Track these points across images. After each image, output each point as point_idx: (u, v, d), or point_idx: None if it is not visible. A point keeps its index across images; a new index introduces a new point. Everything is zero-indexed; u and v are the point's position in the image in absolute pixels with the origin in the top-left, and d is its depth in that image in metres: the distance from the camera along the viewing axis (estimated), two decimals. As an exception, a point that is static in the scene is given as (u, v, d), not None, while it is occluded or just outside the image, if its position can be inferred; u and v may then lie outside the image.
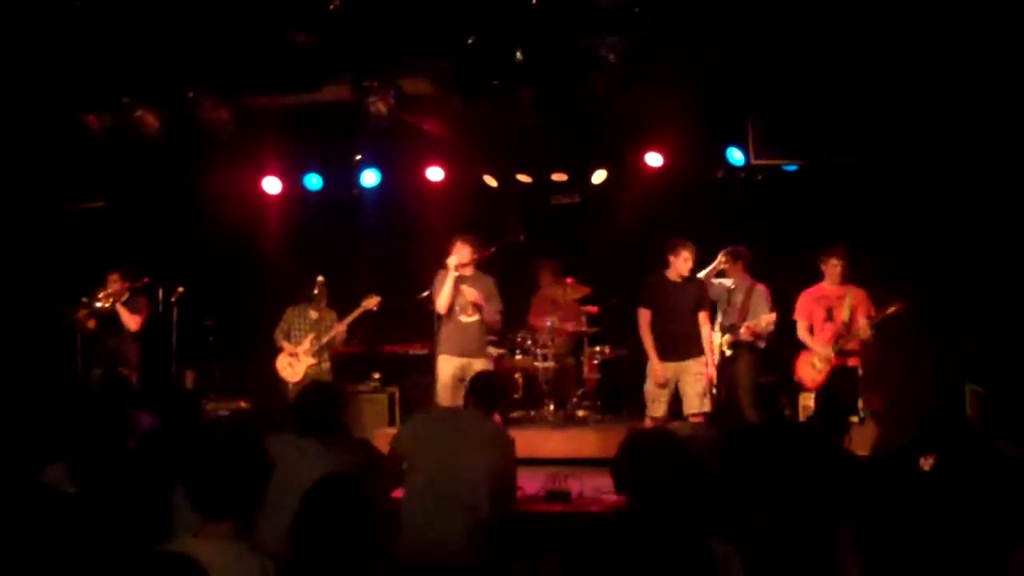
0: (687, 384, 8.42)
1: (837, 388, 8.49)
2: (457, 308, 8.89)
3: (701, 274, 8.87)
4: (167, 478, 4.94)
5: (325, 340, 10.17)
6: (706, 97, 8.72)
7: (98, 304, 9.61)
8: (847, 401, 8.57)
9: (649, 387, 8.56)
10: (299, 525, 3.66)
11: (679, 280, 8.56)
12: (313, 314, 10.25)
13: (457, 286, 8.80)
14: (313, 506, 3.72)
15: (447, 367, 8.84)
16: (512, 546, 5.48)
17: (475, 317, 8.91)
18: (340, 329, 10.18)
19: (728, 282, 9.31)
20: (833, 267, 8.89)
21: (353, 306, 10.21)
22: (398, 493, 5.48)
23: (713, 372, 8.50)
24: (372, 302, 10.14)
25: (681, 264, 8.52)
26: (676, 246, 8.56)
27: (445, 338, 8.97)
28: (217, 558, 3.30)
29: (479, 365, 8.66)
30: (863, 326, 8.70)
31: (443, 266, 8.92)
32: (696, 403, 8.37)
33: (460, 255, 8.83)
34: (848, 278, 8.89)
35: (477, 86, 7.68)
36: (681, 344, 8.49)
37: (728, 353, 9.24)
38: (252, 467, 3.75)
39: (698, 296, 8.61)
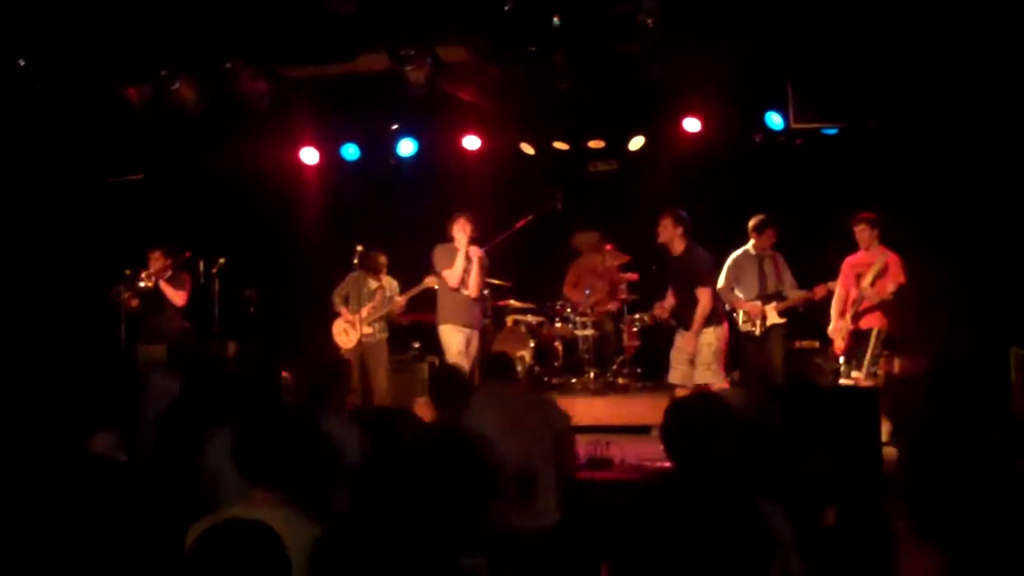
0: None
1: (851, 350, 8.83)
2: (460, 282, 9.21)
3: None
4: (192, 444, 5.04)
5: (383, 311, 10.14)
6: (744, 61, 8.63)
7: (141, 284, 9.68)
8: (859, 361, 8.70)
9: (673, 354, 8.71)
10: (355, 494, 3.67)
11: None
12: (373, 283, 10.19)
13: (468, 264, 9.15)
14: (369, 477, 3.72)
15: (458, 336, 9.20)
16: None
17: (469, 290, 9.23)
18: (400, 302, 10.16)
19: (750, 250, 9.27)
20: (860, 233, 8.93)
21: (415, 281, 10.20)
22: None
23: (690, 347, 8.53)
24: (434, 280, 10.13)
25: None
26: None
27: (452, 310, 9.27)
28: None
29: (476, 337, 9.33)
30: (879, 291, 8.68)
31: (444, 240, 9.26)
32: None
33: (465, 231, 9.13)
34: (879, 243, 8.86)
35: (515, 53, 7.65)
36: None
37: (780, 321, 9.20)
38: (301, 434, 3.78)
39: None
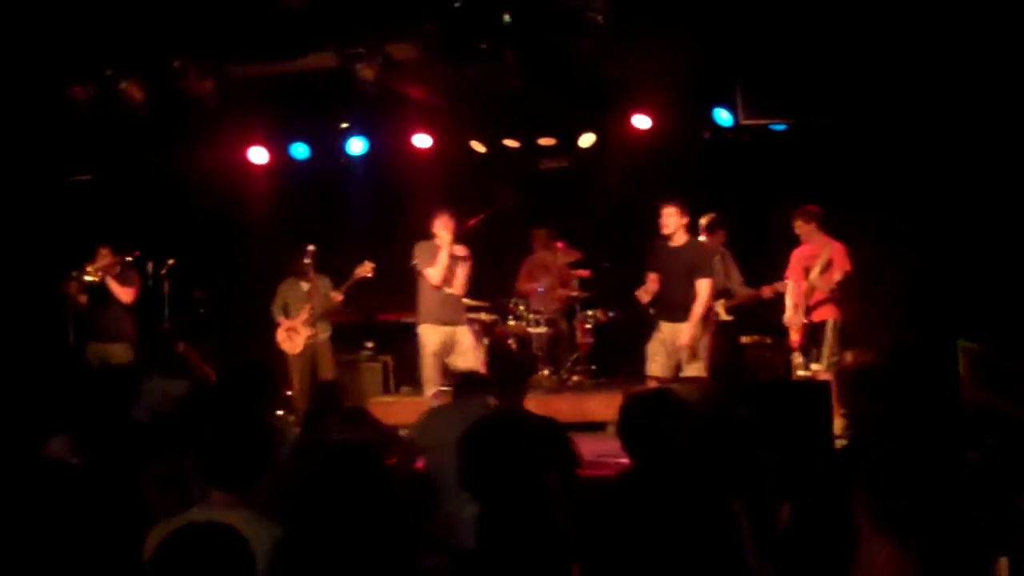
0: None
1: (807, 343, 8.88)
2: (444, 280, 9.16)
3: None
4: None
5: (321, 310, 10.13)
6: (693, 58, 8.66)
7: (87, 277, 9.55)
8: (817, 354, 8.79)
9: (650, 346, 8.63)
10: (312, 493, 3.65)
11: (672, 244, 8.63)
12: (304, 285, 10.22)
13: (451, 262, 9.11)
14: (326, 474, 3.70)
15: (434, 336, 9.15)
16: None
17: (454, 288, 9.21)
18: (336, 298, 10.15)
19: None
20: (798, 228, 8.98)
21: (346, 275, 10.19)
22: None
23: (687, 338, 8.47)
24: (366, 269, 10.12)
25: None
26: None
27: (431, 308, 9.22)
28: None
29: (462, 333, 9.24)
30: (826, 280, 8.77)
31: (426, 238, 9.19)
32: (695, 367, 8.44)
33: (448, 228, 9.10)
34: (822, 234, 8.93)
35: (465, 50, 7.63)
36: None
37: (728, 318, 9.28)
38: (256, 436, 3.77)
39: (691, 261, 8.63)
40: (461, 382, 6.52)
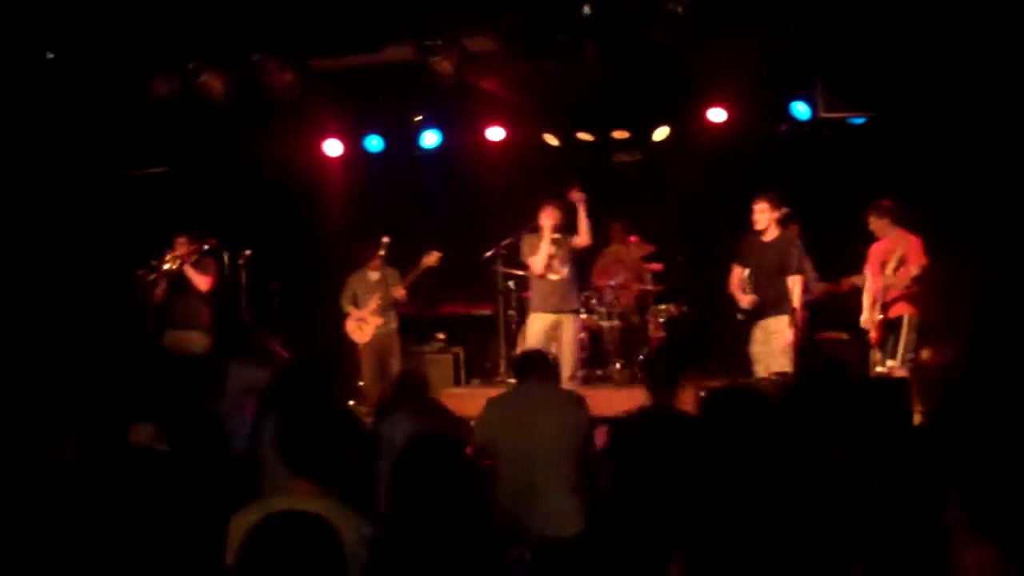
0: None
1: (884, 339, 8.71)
2: (547, 267, 9.26)
3: None
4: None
5: (390, 300, 10.19)
6: (773, 50, 8.59)
7: (166, 266, 9.69)
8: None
9: (753, 348, 8.65)
10: (396, 484, 3.67)
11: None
12: (373, 275, 10.29)
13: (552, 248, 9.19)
14: (409, 465, 3.72)
15: (538, 324, 9.28)
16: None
17: (562, 275, 9.26)
18: (401, 292, 10.22)
19: None
20: (872, 224, 8.86)
21: (414, 264, 10.24)
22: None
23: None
24: (432, 258, 10.18)
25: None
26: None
27: (535, 297, 9.43)
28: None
29: (568, 321, 9.27)
30: (901, 277, 8.64)
31: (531, 229, 9.32)
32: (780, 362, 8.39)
33: (552, 218, 9.14)
34: (898, 228, 8.78)
35: (544, 43, 7.61)
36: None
37: None
38: (343, 426, 3.80)
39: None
40: (517, 365, 6.50)
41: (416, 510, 3.42)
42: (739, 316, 8.75)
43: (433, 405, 6.74)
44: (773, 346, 8.48)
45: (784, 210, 8.64)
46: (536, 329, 9.24)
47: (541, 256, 9.20)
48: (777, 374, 8.20)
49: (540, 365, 6.14)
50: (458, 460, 3.85)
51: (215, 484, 4.47)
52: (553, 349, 8.99)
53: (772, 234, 8.61)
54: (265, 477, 4.65)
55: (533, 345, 8.96)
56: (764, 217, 8.58)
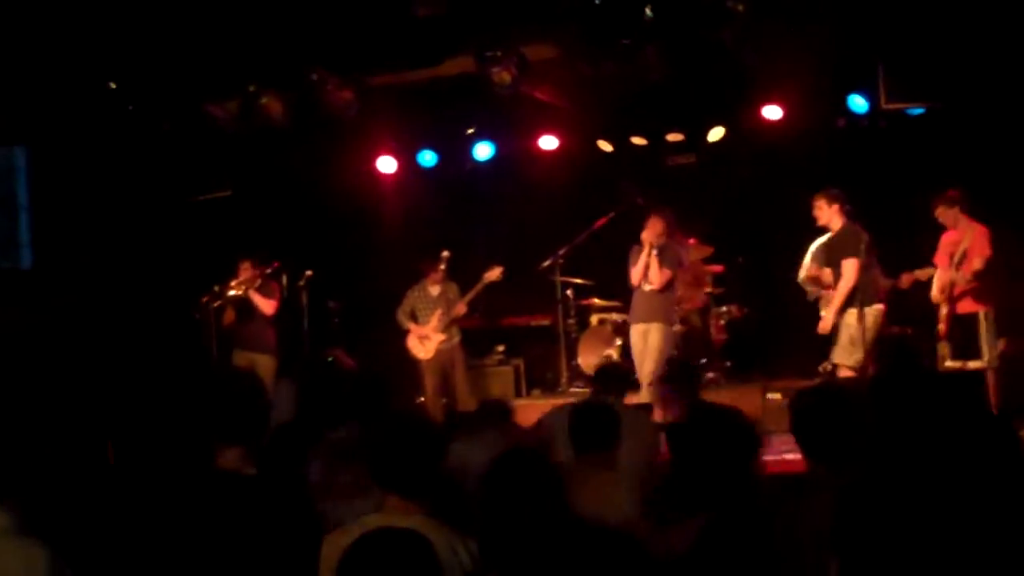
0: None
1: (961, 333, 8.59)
2: (642, 278, 9.36)
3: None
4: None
5: (452, 315, 10.16)
6: (830, 43, 8.50)
7: (231, 292, 9.75)
8: (972, 347, 8.51)
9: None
10: (485, 498, 3.63)
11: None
12: (434, 290, 10.27)
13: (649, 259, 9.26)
14: (498, 478, 3.68)
15: (634, 334, 9.45)
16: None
17: (653, 286, 9.30)
18: (460, 308, 10.20)
19: None
20: (940, 216, 8.74)
21: (474, 280, 10.22)
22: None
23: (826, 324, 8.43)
24: (494, 274, 10.15)
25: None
26: None
27: (632, 308, 9.54)
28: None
29: (655, 330, 9.30)
30: (965, 272, 8.51)
31: (639, 241, 9.36)
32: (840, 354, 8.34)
33: (654, 229, 9.23)
34: (967, 218, 8.65)
35: (606, 46, 7.59)
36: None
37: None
38: (435, 442, 3.77)
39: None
40: (595, 378, 6.51)
41: (515, 525, 3.38)
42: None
43: (517, 430, 6.68)
44: (841, 337, 8.39)
45: (841, 202, 8.55)
46: (633, 338, 9.43)
47: (638, 267, 9.31)
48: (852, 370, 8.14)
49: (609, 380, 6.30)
50: (546, 471, 3.78)
51: (302, 506, 4.46)
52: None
53: (836, 225, 8.54)
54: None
55: (634, 355, 9.32)
56: (822, 213, 8.56)
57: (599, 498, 4.40)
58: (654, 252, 9.24)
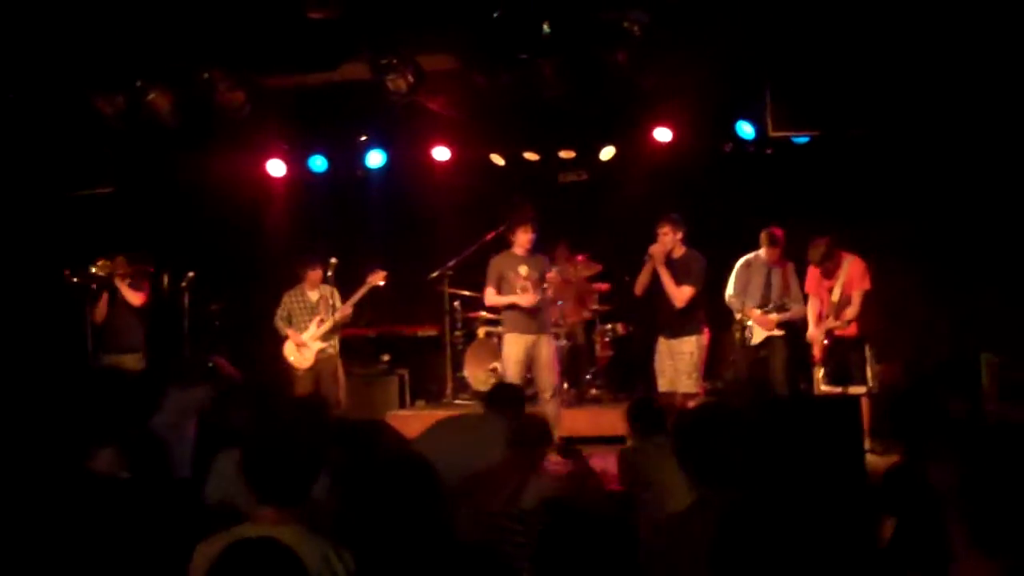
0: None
1: (840, 359, 8.81)
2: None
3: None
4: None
5: (331, 323, 9.96)
6: (720, 70, 8.66)
7: (93, 270, 9.53)
8: (854, 373, 8.74)
9: (657, 363, 8.77)
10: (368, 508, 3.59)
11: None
12: (312, 295, 10.09)
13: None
14: (382, 488, 3.64)
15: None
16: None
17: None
18: (346, 311, 10.03)
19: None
20: (813, 253, 8.91)
21: (358, 285, 10.08)
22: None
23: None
24: (378, 277, 10.01)
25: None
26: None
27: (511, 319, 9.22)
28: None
29: (542, 342, 9.05)
30: (844, 315, 8.81)
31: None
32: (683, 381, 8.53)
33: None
34: (839, 252, 8.90)
35: (503, 60, 7.60)
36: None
37: (779, 333, 9.20)
38: (309, 452, 3.72)
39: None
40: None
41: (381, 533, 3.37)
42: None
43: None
44: (679, 366, 8.58)
45: (681, 232, 8.74)
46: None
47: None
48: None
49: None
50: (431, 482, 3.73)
51: (172, 511, 4.37)
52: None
53: (677, 252, 8.71)
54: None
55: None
56: (666, 239, 8.70)
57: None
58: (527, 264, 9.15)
